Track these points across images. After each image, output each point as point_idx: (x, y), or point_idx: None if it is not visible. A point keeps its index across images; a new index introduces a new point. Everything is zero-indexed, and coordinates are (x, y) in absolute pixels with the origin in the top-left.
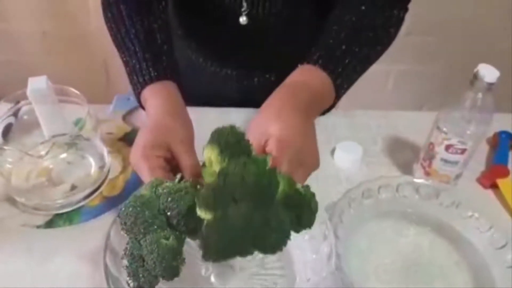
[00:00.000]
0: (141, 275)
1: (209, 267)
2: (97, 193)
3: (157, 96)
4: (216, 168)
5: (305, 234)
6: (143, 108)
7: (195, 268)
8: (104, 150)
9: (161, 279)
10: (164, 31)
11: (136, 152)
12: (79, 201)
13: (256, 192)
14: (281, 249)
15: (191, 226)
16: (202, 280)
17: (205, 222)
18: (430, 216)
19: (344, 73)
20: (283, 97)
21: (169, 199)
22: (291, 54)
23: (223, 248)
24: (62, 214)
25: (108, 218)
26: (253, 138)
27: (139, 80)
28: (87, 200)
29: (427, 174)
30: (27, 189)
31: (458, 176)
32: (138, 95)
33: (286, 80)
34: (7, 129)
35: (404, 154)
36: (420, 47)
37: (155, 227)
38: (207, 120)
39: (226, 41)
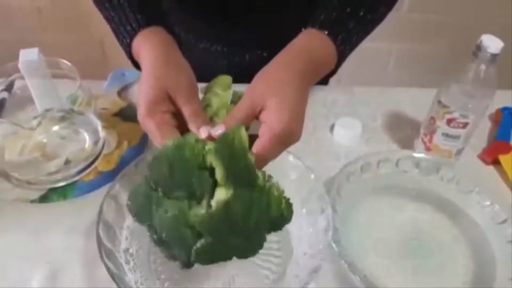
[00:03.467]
0: None
1: None
2: (91, 167)
3: (149, 44)
4: (220, 182)
5: (302, 209)
6: (135, 64)
7: None
8: (98, 125)
9: None
10: None
11: (141, 111)
12: (73, 176)
13: (254, 229)
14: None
15: None
16: None
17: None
18: (430, 191)
19: (347, 39)
20: (286, 64)
21: None
22: (283, 30)
23: (209, 260)
24: (56, 188)
25: (102, 193)
26: (250, 102)
27: (127, 29)
28: (81, 175)
29: (428, 149)
30: (20, 163)
31: (459, 152)
32: (128, 47)
33: (292, 43)
34: (1, 104)
35: (404, 131)
36: (422, 24)
37: None
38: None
39: (216, 16)
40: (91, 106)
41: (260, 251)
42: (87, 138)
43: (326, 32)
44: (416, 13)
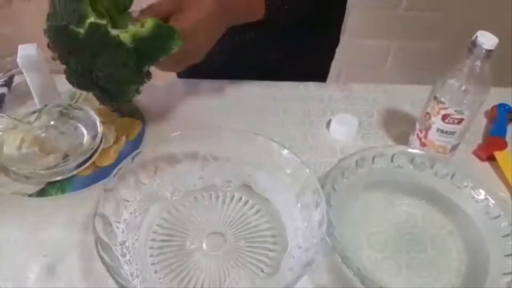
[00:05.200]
0: None
1: (194, 240)
2: (89, 162)
3: None
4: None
5: (297, 203)
6: None
7: (179, 242)
8: (97, 120)
9: None
10: None
11: None
12: (71, 170)
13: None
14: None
15: None
16: (193, 252)
17: None
18: (425, 186)
19: None
20: None
21: None
22: None
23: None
24: (54, 183)
25: (100, 187)
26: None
27: None
28: (79, 169)
29: (423, 145)
30: (18, 157)
31: (454, 147)
32: None
33: None
34: (0, 99)
35: (400, 127)
36: (420, 22)
37: None
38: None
39: None
40: (89, 102)
41: (256, 244)
42: (85, 133)
43: None
44: (414, 11)
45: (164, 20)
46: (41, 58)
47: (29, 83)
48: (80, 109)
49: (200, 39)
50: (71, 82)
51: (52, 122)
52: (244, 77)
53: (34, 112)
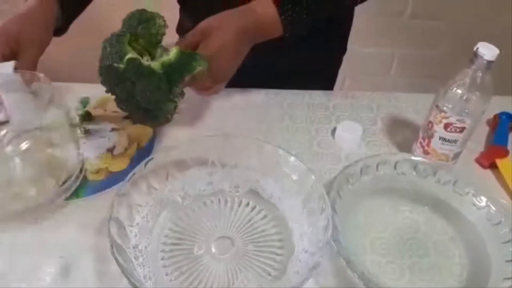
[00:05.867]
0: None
1: (203, 244)
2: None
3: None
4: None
5: (303, 208)
6: None
7: (189, 246)
8: (108, 126)
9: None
10: None
11: None
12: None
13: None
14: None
15: None
16: (202, 255)
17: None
18: (427, 193)
19: (293, 10)
20: (234, 17)
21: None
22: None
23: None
24: None
25: (113, 192)
26: (195, 33)
27: None
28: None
29: (426, 153)
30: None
31: (456, 155)
32: None
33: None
34: None
35: (404, 135)
36: (425, 31)
37: None
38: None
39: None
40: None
41: (263, 248)
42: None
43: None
44: (419, 19)
45: (194, 49)
46: (18, 77)
47: (6, 104)
48: (59, 127)
49: (223, 62)
50: (121, 108)
51: (28, 147)
52: (252, 86)
53: (6, 133)
